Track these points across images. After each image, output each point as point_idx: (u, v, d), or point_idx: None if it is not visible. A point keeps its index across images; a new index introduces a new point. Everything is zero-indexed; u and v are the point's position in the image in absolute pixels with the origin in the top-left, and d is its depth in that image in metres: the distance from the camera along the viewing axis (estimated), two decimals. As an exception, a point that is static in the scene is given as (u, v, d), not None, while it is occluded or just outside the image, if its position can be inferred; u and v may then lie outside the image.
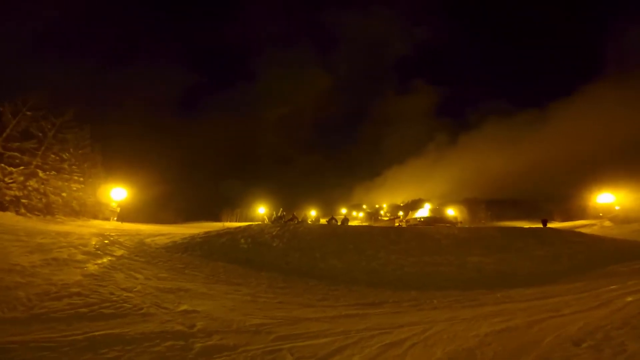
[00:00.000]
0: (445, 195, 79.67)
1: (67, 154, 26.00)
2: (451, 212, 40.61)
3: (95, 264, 8.52)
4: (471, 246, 13.25)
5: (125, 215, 33.82)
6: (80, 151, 27.79)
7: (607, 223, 32.67)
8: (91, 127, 29.80)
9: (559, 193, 61.12)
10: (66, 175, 25.72)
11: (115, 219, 29.91)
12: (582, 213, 46.68)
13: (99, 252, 10.63)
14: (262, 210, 56.78)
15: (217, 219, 55.61)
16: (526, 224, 38.36)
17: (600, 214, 38.47)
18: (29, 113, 23.14)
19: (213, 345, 3.72)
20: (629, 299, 5.55)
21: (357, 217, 73.79)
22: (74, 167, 26.53)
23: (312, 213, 60.28)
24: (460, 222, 32.71)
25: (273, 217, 22.90)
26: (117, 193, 32.14)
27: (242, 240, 13.49)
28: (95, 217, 28.42)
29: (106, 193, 31.27)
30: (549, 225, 31.96)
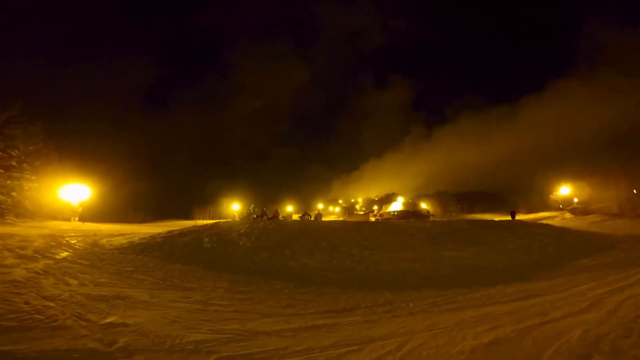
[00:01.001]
0: (418, 188, 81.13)
1: (15, 151, 23.87)
2: (423, 205, 41.03)
3: (26, 268, 7.38)
4: (445, 240, 12.97)
5: (89, 215, 31.64)
6: (31, 147, 25.62)
7: (567, 215, 34.17)
8: (48, 123, 27.70)
9: (523, 186, 63.74)
10: (16, 174, 23.64)
11: (77, 219, 27.89)
12: (543, 205, 48.71)
13: (37, 255, 9.40)
14: (236, 207, 55.20)
15: (189, 217, 53.57)
16: (494, 216, 39.35)
17: (561, 206, 40.19)
18: (-33, 108, 20.87)
19: (131, 372, 2.86)
20: (618, 298, 5.16)
21: (334, 212, 73.43)
22: (24, 164, 24.44)
23: (289, 209, 59.20)
24: (433, 215, 32.93)
25: (244, 214, 21.89)
26: (79, 192, 29.93)
27: (206, 239, 12.44)
28: (54, 217, 26.39)
29: (65, 192, 29.08)
30: (517, 217, 32.93)
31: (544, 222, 23.27)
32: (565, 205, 38.90)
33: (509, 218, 28.57)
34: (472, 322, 4.50)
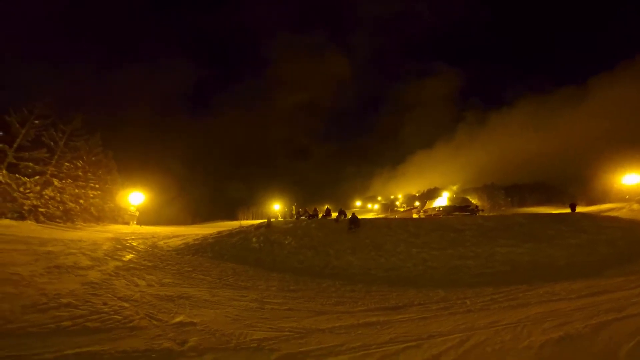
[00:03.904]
0: (463, 182, 77.13)
1: (80, 162, 26.27)
2: (471, 200, 39.02)
3: (99, 270, 8.15)
4: (498, 236, 12.29)
5: (145, 218, 34.27)
6: (93, 158, 28.09)
7: (635, 206, 30.34)
8: (102, 133, 30.03)
9: (582, 176, 57.73)
10: (82, 183, 26.01)
11: (135, 222, 30.29)
12: (605, 196, 44.25)
13: (107, 257, 10.35)
14: (277, 207, 56.68)
15: (233, 217, 55.99)
16: (549, 210, 36.33)
17: (627, 197, 36.12)
18: (37, 122, 23.25)
19: (204, 369, 3.07)
20: None
21: (372, 209, 72.43)
22: (88, 174, 26.83)
23: (327, 208, 59.44)
24: (482, 210, 31.13)
25: (286, 214, 22.43)
26: (135, 197, 32.67)
27: (254, 239, 12.95)
28: (115, 221, 28.81)
29: (124, 198, 31.75)
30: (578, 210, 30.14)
31: (609, 214, 21.16)
32: (633, 195, 34.83)
33: (568, 211, 26.25)
34: (538, 319, 4.24)
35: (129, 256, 10.92)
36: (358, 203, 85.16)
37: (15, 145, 21.79)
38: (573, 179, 60.30)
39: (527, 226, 13.87)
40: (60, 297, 5.36)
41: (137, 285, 6.68)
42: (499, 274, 8.52)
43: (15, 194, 20.47)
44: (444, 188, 65.47)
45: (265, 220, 16.48)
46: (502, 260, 9.79)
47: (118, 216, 30.04)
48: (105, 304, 5.20)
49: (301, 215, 19.41)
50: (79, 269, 8.14)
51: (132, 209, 32.03)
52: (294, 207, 21.16)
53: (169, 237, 16.83)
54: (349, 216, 15.08)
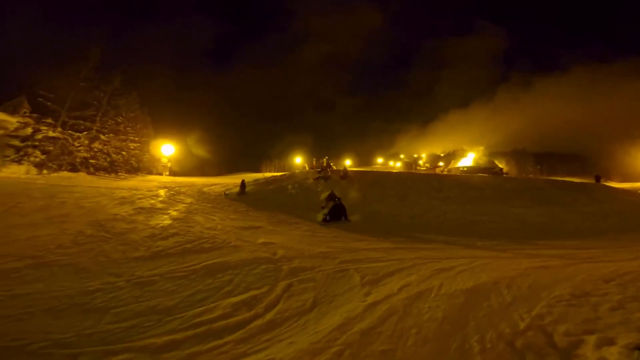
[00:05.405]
0: (493, 145, 74.46)
1: (120, 118, 28.53)
2: (497, 163, 38.92)
3: (175, 210, 9.69)
4: (516, 197, 13.07)
5: (174, 169, 36.87)
6: (131, 114, 30.47)
7: None
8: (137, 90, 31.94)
9: (622, 151, 54.66)
10: (123, 136, 28.45)
11: (167, 173, 32.89)
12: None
13: (171, 200, 11.85)
14: (298, 160, 58.90)
15: (257, 170, 58.52)
16: (577, 180, 35.98)
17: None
18: (82, 84, 25.04)
19: (296, 267, 4.65)
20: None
21: (394, 167, 72.85)
22: (128, 128, 29.26)
23: (347, 162, 60.39)
24: (506, 174, 31.46)
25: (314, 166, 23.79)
26: (167, 149, 35.06)
27: (290, 187, 14.62)
28: (150, 172, 31.42)
29: (157, 149, 34.23)
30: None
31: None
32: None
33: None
34: (529, 256, 5.66)
35: (189, 200, 12.42)
36: (380, 160, 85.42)
37: (66, 106, 23.96)
38: (612, 154, 57.33)
39: (546, 191, 14.60)
40: (167, 229, 6.78)
41: (213, 220, 8.36)
42: (510, 230, 9.28)
43: (71, 148, 22.84)
44: (471, 149, 64.27)
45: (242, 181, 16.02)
46: (515, 219, 10.55)
47: (153, 167, 32.78)
48: (202, 232, 6.73)
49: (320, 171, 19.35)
50: (158, 210, 9.58)
51: (164, 159, 34.63)
52: (325, 159, 22.17)
53: (208, 185, 18.68)
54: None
